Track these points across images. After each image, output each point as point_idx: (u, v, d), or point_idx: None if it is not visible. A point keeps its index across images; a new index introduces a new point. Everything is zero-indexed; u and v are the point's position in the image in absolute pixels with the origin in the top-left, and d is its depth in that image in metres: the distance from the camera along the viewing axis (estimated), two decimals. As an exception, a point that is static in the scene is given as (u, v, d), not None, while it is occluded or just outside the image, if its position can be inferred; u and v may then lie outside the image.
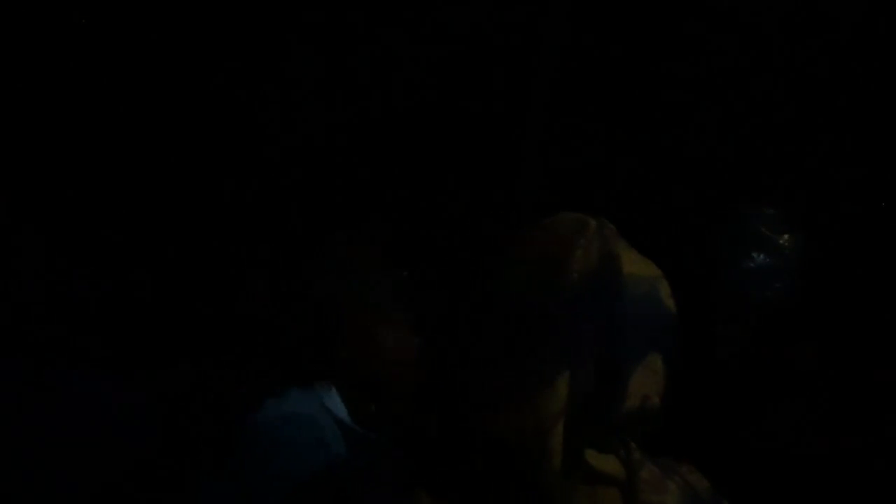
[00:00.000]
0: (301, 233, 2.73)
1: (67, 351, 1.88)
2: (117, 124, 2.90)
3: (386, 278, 1.79)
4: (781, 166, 2.54)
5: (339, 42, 2.98)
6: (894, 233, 2.33)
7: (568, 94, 2.83)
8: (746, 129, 2.63)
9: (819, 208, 2.33)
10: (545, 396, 1.10)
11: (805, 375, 1.94)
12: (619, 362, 1.12)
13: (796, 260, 1.99)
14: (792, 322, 1.98)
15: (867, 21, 2.53)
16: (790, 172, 2.52)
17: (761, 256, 1.97)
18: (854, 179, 2.46)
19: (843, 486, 1.82)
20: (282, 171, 2.95)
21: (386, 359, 1.74)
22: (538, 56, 2.87)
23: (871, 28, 2.53)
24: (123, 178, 2.83)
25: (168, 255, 2.61)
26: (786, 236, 1.99)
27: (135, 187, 2.82)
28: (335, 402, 1.67)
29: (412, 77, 2.94)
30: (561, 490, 1.10)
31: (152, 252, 2.62)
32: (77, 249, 2.02)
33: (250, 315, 2.36)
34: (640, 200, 2.60)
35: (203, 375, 2.18)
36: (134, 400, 1.84)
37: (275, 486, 1.57)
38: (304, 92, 2.99)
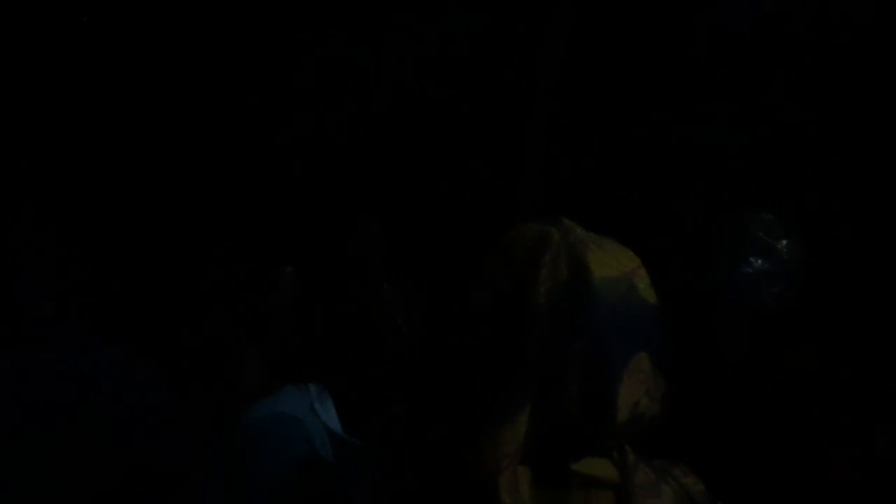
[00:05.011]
0: (300, 232, 2.73)
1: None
2: (118, 121, 2.91)
3: (386, 280, 1.80)
4: (780, 171, 2.55)
5: (341, 43, 2.99)
6: (893, 236, 2.33)
7: (569, 97, 2.84)
8: (747, 133, 2.64)
9: (818, 213, 2.33)
10: (504, 432, 1.07)
11: (805, 377, 1.94)
12: (605, 379, 1.10)
13: (795, 265, 1.99)
14: (791, 325, 1.98)
15: (867, 26, 2.54)
16: (789, 177, 2.52)
17: (759, 261, 1.97)
18: (853, 184, 2.46)
19: (843, 488, 1.82)
20: (281, 170, 2.95)
21: (385, 361, 1.74)
22: (540, 59, 2.87)
23: (871, 33, 2.53)
24: (124, 174, 2.84)
25: (167, 255, 2.61)
26: (784, 241, 1.99)
27: (135, 185, 2.83)
28: (326, 409, 1.68)
29: (414, 78, 2.95)
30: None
31: (151, 250, 2.62)
32: (76, 248, 2.02)
33: (249, 315, 2.36)
34: (639, 205, 2.60)
35: (200, 374, 2.18)
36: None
37: (260, 481, 1.58)
38: (304, 93, 3.00)
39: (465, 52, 2.93)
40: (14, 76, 2.86)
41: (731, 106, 2.67)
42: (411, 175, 2.91)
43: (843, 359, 1.96)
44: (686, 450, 1.25)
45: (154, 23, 2.97)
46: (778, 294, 1.97)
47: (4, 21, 2.86)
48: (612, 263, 1.14)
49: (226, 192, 2.88)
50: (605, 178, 2.74)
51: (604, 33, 2.84)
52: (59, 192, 2.39)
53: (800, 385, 1.94)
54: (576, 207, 1.34)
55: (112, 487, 1.75)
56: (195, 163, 2.93)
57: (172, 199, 2.83)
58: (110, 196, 2.69)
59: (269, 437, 1.62)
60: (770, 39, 2.65)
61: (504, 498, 1.06)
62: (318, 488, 1.58)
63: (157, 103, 2.95)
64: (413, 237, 2.66)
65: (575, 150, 2.80)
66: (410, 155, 2.93)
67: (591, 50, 2.84)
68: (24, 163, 2.60)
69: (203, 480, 1.64)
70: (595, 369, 1.10)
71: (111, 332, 1.93)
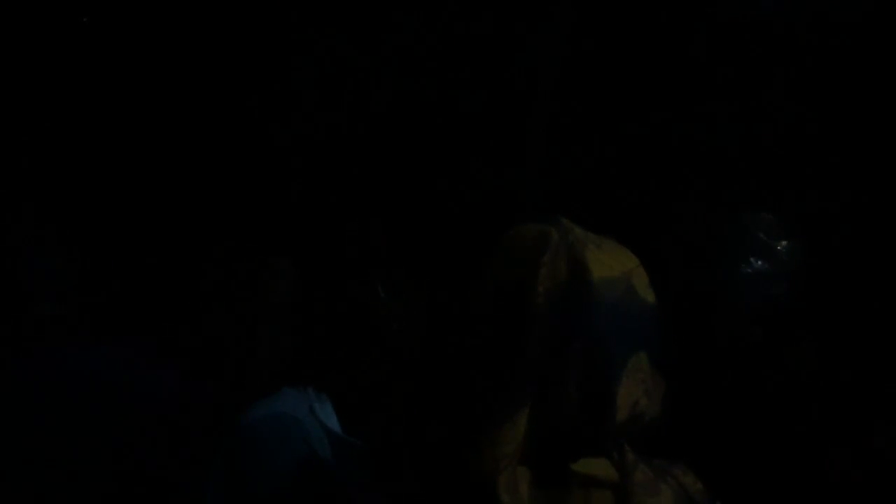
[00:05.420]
0: (300, 232, 2.73)
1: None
2: (118, 121, 2.91)
3: (386, 280, 1.80)
4: (780, 171, 2.55)
5: (341, 43, 2.99)
6: (893, 236, 2.33)
7: (569, 97, 2.84)
8: (747, 133, 2.64)
9: (818, 213, 2.33)
10: (503, 432, 1.08)
11: (805, 377, 1.94)
12: (604, 379, 1.10)
13: (795, 265, 1.99)
14: (791, 325, 1.98)
15: (867, 26, 2.54)
16: (789, 177, 2.52)
17: (759, 262, 1.97)
18: (853, 184, 2.46)
19: (843, 488, 1.82)
20: (281, 170, 2.96)
21: (385, 361, 1.74)
22: (540, 59, 2.87)
23: (871, 33, 2.53)
24: (124, 174, 2.84)
25: (167, 255, 2.62)
26: (784, 242, 2.00)
27: (135, 185, 2.83)
28: (325, 410, 1.68)
29: (414, 78, 2.95)
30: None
31: (151, 250, 2.63)
32: (76, 248, 2.02)
33: (247, 317, 2.37)
34: (639, 205, 2.60)
35: (200, 376, 2.18)
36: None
37: (259, 481, 1.58)
38: (304, 93, 3.00)
39: (465, 52, 2.92)
40: (14, 76, 2.87)
41: (731, 106, 2.67)
42: (411, 175, 2.91)
43: (843, 359, 1.96)
44: (685, 449, 1.26)
45: (154, 23, 2.97)
46: (778, 294, 1.97)
47: (4, 21, 2.86)
48: (611, 263, 1.15)
49: (226, 191, 2.88)
50: (605, 178, 2.74)
51: (604, 33, 2.84)
52: (59, 192, 2.40)
53: (800, 385, 1.93)
54: (576, 207, 1.34)
55: (114, 486, 1.75)
56: (195, 163, 2.93)
57: (172, 199, 2.83)
58: (110, 196, 2.69)
59: (268, 437, 1.62)
60: (770, 39, 2.65)
61: (503, 498, 1.06)
62: (317, 488, 1.58)
63: (156, 103, 2.95)
64: (413, 237, 2.66)
65: (575, 150, 2.79)
66: (410, 155, 2.93)
67: (591, 50, 2.84)
68: (24, 163, 2.60)
69: (203, 480, 1.64)
70: (594, 369, 1.10)
71: (111, 332, 1.94)
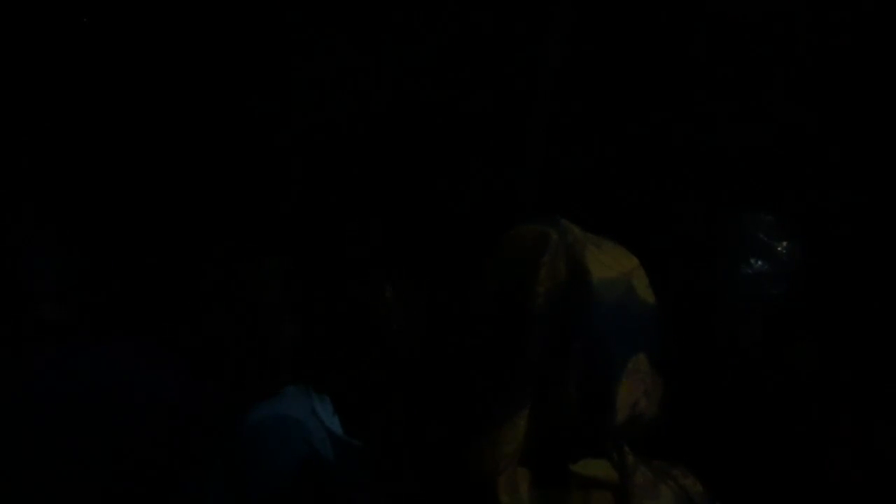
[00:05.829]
0: (300, 232, 2.73)
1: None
2: (118, 121, 2.91)
3: (386, 280, 1.80)
4: (780, 171, 2.55)
5: (341, 43, 2.99)
6: (893, 236, 2.34)
7: (569, 97, 2.84)
8: (747, 133, 2.64)
9: (818, 213, 2.34)
10: (503, 432, 1.08)
11: (805, 377, 1.94)
12: (604, 379, 1.11)
13: (795, 265, 2.00)
14: (791, 325, 1.98)
15: (867, 26, 2.54)
16: (789, 177, 2.53)
17: (759, 262, 1.97)
18: (853, 184, 2.46)
19: (843, 488, 1.82)
20: (281, 170, 2.96)
21: (386, 361, 1.74)
22: (540, 59, 2.87)
23: (871, 33, 2.53)
24: (124, 174, 2.85)
25: (167, 255, 2.62)
26: (784, 242, 2.00)
27: (135, 185, 2.83)
28: (327, 410, 1.68)
29: (414, 78, 2.95)
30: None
31: (151, 250, 2.63)
32: (76, 248, 2.02)
33: (247, 317, 2.36)
34: (639, 205, 2.60)
35: (200, 376, 2.18)
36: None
37: (260, 481, 1.58)
38: (304, 93, 3.00)
39: (465, 52, 2.92)
40: (14, 76, 2.87)
41: (731, 106, 2.67)
42: (411, 175, 2.91)
43: (843, 359, 1.96)
44: (686, 450, 1.26)
45: (154, 23, 2.97)
46: (778, 294, 1.97)
47: (5, 21, 2.86)
48: (611, 264, 1.15)
49: (226, 191, 2.89)
50: (605, 178, 2.74)
51: (604, 33, 2.84)
52: (59, 192, 2.39)
53: (800, 385, 1.93)
54: (576, 207, 1.34)
55: (114, 486, 1.75)
56: (195, 163, 2.94)
57: (172, 199, 2.84)
58: (110, 196, 2.69)
59: (269, 437, 1.62)
60: (770, 39, 2.65)
61: (503, 498, 1.07)
62: (318, 488, 1.59)
63: (157, 103, 2.95)
64: (413, 237, 2.67)
65: (575, 150, 2.80)
66: (410, 155, 2.93)
67: (592, 50, 2.84)
68: (24, 163, 2.61)
69: (204, 480, 1.64)
70: (594, 369, 1.10)
71: (111, 332, 1.93)
